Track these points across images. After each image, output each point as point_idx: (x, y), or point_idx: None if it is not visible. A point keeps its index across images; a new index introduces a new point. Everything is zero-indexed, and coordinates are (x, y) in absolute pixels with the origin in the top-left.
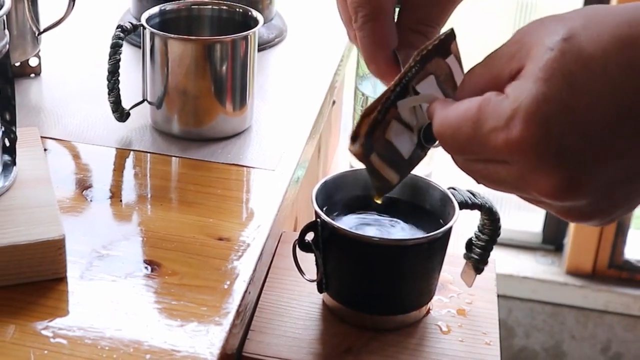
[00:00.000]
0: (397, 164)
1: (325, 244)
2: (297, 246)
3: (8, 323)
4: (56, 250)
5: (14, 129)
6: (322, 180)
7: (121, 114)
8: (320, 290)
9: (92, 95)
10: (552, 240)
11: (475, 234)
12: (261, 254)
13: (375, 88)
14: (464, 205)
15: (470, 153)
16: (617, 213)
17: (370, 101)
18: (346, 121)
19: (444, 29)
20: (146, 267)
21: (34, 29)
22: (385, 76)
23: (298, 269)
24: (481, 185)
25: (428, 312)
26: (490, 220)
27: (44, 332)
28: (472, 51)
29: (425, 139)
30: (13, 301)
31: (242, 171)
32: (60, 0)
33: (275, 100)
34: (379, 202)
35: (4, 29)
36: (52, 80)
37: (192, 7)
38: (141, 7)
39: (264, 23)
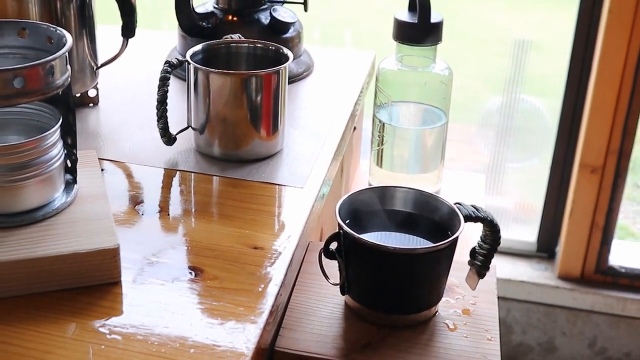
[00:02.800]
0: None
1: (347, 252)
2: (322, 254)
3: (69, 322)
4: (112, 258)
5: (75, 151)
6: (345, 196)
7: (169, 139)
8: (342, 292)
9: (143, 122)
10: (545, 249)
11: (478, 243)
12: (291, 261)
13: (390, 116)
14: (468, 218)
15: None
16: None
17: (387, 128)
18: (365, 145)
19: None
20: (190, 273)
21: (93, 64)
22: None
23: (323, 274)
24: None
25: (437, 311)
26: (492, 231)
27: (101, 330)
28: (475, 87)
29: None
30: (74, 302)
31: (275, 188)
32: (116, 39)
33: (303, 127)
34: None
35: (67, 64)
36: (108, 109)
37: (231, 45)
38: (186, 45)
39: (294, 59)
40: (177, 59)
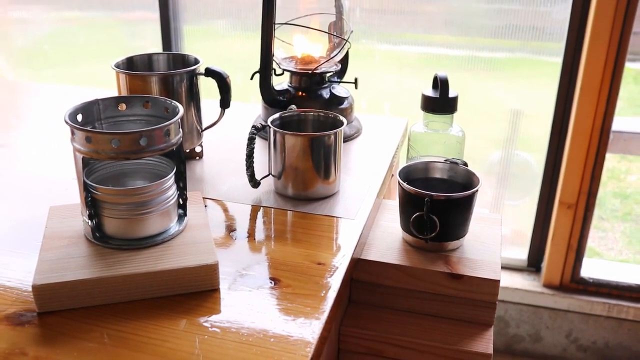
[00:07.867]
0: None
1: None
2: None
3: (181, 318)
4: (213, 271)
5: (185, 192)
6: (400, 167)
7: (255, 183)
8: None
9: (236, 171)
10: (533, 264)
11: None
12: (345, 273)
13: None
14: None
15: None
16: None
17: None
18: None
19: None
20: (271, 282)
21: (198, 127)
22: None
23: None
24: None
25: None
26: None
27: (204, 324)
28: (481, 145)
29: None
30: (184, 304)
31: (333, 220)
32: (216, 109)
33: (354, 174)
34: None
35: (179, 128)
36: (210, 161)
37: (300, 114)
38: (267, 113)
39: (347, 124)
40: (261, 124)
